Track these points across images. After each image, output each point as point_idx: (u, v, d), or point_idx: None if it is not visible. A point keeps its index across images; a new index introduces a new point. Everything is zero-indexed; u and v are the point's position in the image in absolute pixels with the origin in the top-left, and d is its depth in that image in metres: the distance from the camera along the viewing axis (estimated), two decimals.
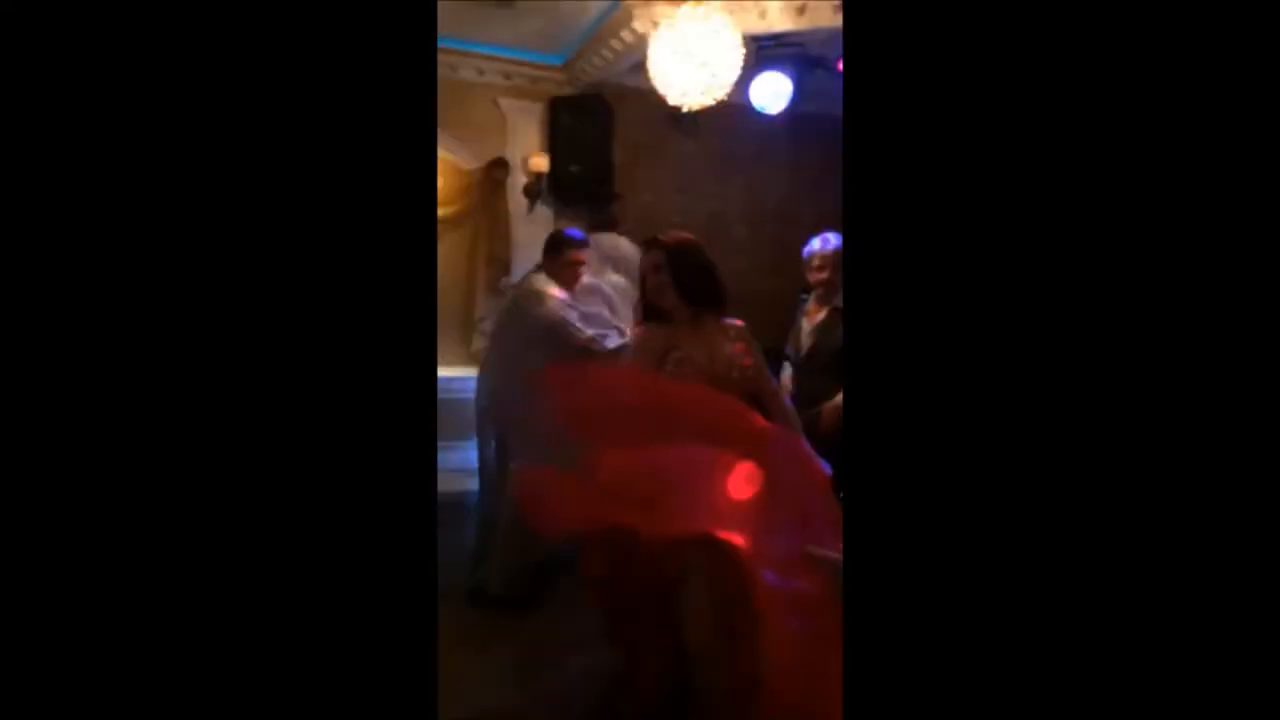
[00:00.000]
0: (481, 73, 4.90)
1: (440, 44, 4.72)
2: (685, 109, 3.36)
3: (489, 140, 4.96)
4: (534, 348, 2.78)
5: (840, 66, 3.98)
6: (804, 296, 3.12)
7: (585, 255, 3.05)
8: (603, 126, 4.91)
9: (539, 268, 3.07)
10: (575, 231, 3.14)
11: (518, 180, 4.95)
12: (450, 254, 4.81)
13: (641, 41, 3.71)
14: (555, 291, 2.94)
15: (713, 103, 3.31)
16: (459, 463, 3.86)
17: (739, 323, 2.18)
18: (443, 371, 4.02)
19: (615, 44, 4.19)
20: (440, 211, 4.63)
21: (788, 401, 2.33)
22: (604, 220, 4.23)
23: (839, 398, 2.74)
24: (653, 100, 3.56)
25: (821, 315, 2.94)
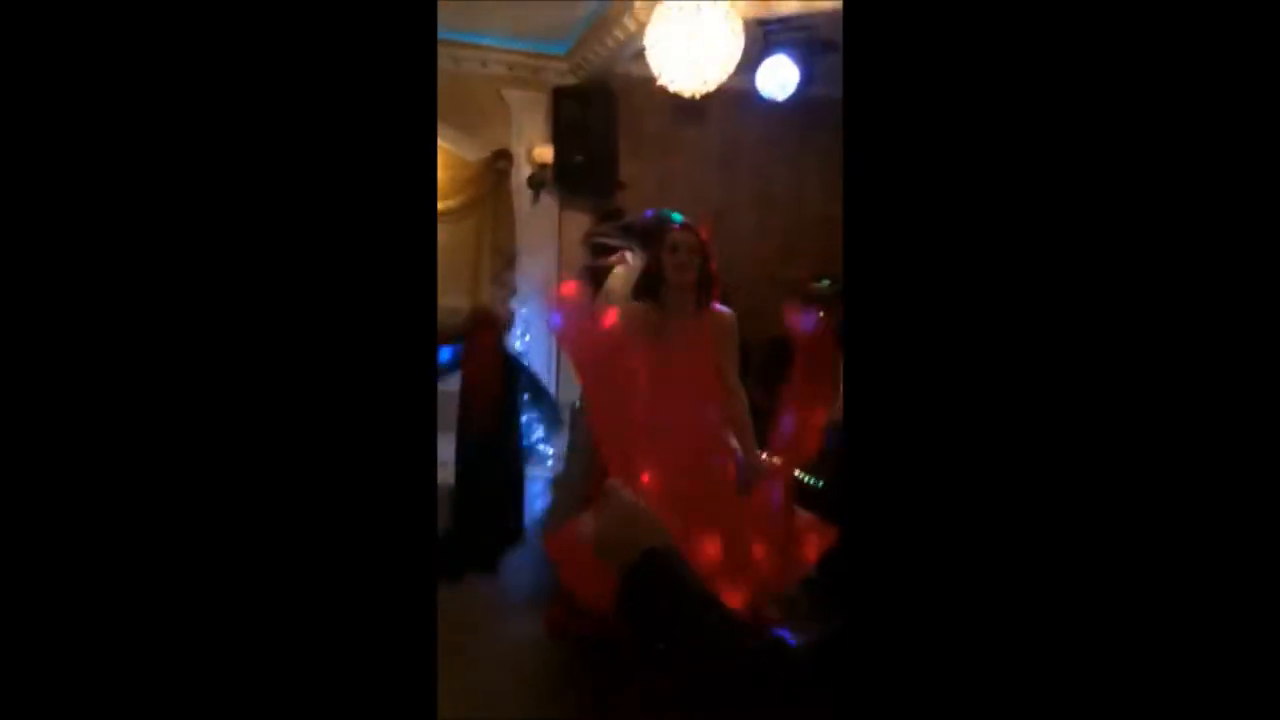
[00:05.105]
0: (485, 64, 4.87)
1: (443, 37, 4.69)
2: (688, 96, 3.31)
3: (493, 131, 4.93)
4: None
5: None
6: (824, 281, 3.09)
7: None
8: (607, 116, 4.85)
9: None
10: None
11: (522, 171, 4.92)
12: (454, 246, 4.78)
13: (643, 29, 3.66)
14: None
15: (713, 90, 3.26)
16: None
17: (729, 312, 2.19)
18: None
19: (617, 32, 4.13)
20: (443, 204, 4.61)
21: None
22: (609, 211, 4.19)
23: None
24: (657, 88, 3.51)
25: None
